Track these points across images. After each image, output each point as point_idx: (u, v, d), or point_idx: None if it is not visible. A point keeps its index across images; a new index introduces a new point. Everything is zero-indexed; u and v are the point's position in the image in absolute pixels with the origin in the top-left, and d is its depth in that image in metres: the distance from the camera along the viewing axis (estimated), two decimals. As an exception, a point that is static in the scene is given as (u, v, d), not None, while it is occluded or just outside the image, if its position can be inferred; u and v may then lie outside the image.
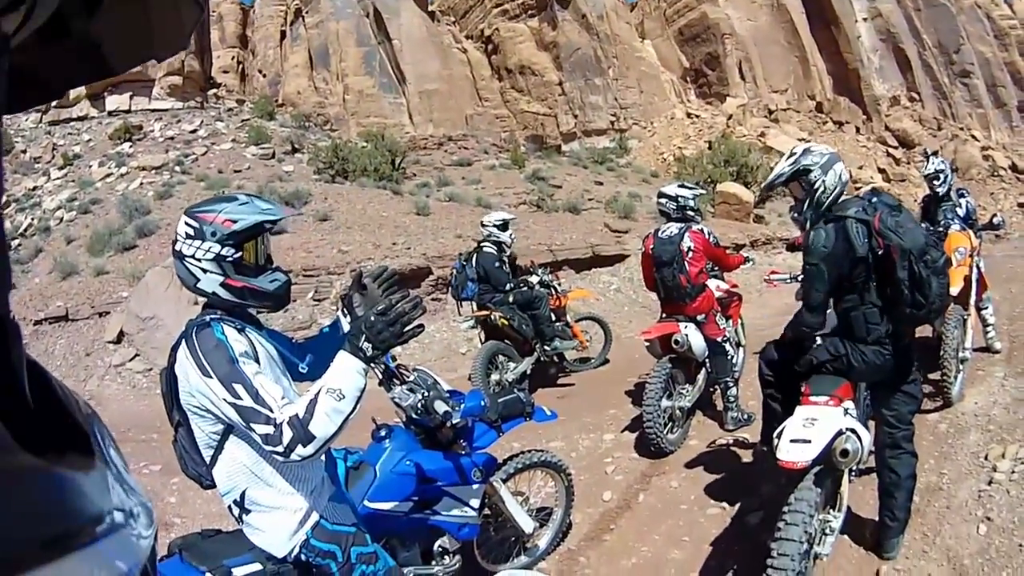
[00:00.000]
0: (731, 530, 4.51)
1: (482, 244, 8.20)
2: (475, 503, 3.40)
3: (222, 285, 2.48)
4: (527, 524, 3.84)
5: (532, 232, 15.45)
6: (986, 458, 4.76)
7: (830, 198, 3.64)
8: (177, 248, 2.49)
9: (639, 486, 5.37)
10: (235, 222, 2.46)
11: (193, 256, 2.45)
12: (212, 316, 2.49)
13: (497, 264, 8.01)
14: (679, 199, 6.14)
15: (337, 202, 17.48)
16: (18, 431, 0.46)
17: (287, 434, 2.21)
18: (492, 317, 7.90)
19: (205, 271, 2.47)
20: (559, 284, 9.03)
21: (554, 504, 4.47)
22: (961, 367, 5.94)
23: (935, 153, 7.24)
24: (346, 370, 2.32)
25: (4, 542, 0.42)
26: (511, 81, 47.50)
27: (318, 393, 2.26)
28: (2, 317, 0.50)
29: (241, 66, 49.02)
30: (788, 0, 50.86)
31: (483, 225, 8.34)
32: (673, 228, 6.07)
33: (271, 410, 2.25)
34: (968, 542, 3.88)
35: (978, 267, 6.55)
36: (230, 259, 2.47)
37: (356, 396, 2.30)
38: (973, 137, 48.78)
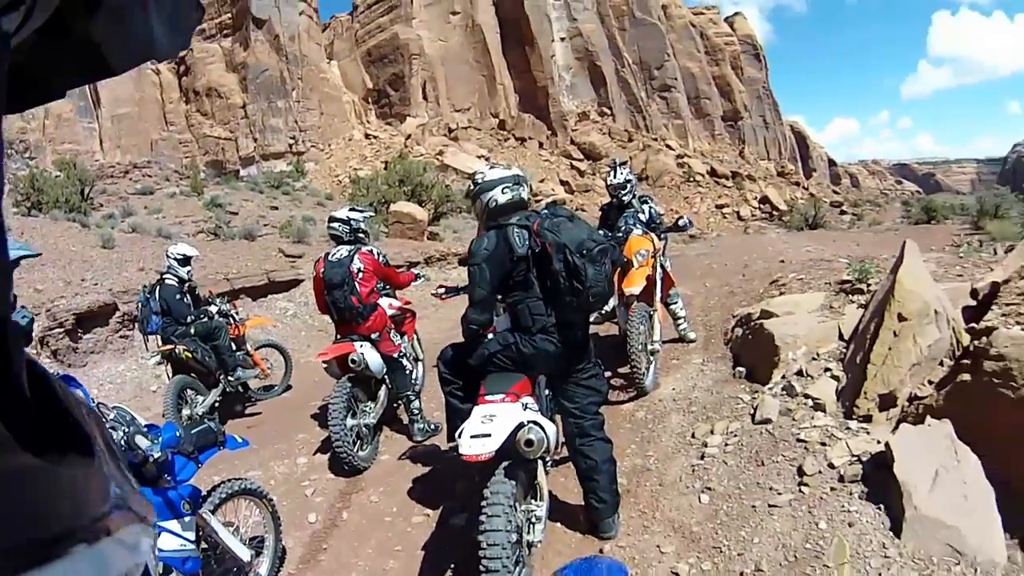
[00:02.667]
0: (439, 533, 4.75)
1: (164, 276, 7.91)
2: (190, 535, 3.37)
3: None
4: (243, 552, 3.85)
5: (209, 261, 14.74)
6: (693, 436, 5.21)
7: (497, 210, 4.16)
8: None
9: (341, 504, 5.47)
10: None
11: None
12: None
13: (178, 296, 7.80)
14: (351, 222, 6.41)
15: (32, 237, 15.33)
16: (18, 431, 0.46)
17: None
18: (177, 351, 7.63)
19: None
20: (237, 313, 8.92)
21: (264, 531, 4.46)
22: (652, 359, 6.44)
23: (623, 164, 7.95)
24: None
25: (5, 542, 0.42)
26: (197, 104, 45.01)
27: None
28: (2, 317, 0.49)
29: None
30: (484, 21, 52.38)
31: (167, 256, 8.02)
32: (343, 251, 6.31)
33: None
34: (692, 512, 4.26)
35: (662, 266, 7.06)
36: None
37: None
38: (668, 147, 53.09)
